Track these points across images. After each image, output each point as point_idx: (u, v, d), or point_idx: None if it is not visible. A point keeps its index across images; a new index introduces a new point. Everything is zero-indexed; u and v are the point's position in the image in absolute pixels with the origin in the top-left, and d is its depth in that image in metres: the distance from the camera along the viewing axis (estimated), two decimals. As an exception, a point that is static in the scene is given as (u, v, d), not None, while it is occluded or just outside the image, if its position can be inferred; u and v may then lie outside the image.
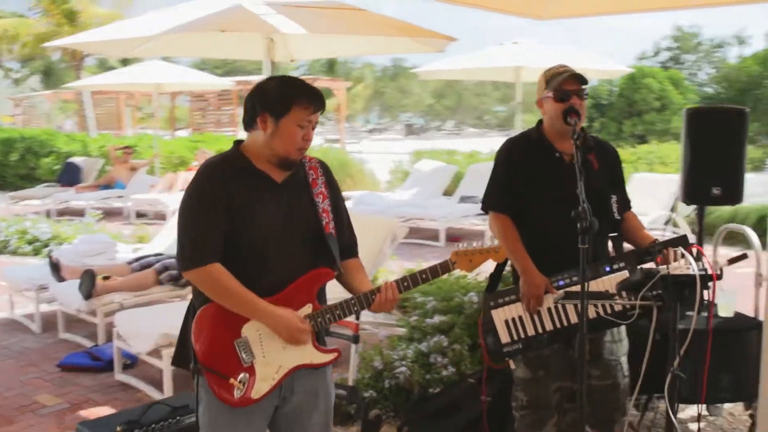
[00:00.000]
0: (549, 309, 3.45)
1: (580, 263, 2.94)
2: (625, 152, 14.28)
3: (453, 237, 10.93)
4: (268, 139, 2.74)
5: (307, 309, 2.80)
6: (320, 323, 2.81)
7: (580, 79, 3.47)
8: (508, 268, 3.70)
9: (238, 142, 2.89)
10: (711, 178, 4.36)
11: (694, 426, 4.38)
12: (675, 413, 3.14)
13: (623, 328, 3.58)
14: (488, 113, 54.32)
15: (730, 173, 4.34)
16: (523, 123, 10.20)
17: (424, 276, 2.88)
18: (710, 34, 51.29)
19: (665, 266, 3.15)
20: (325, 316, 2.81)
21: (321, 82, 25.16)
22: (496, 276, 3.73)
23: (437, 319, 5.17)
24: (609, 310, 3.38)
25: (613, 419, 3.62)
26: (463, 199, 11.59)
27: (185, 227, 2.76)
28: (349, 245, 3.02)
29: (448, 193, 12.55)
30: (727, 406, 4.73)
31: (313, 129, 2.80)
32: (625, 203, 3.64)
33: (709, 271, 3.05)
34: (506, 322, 3.49)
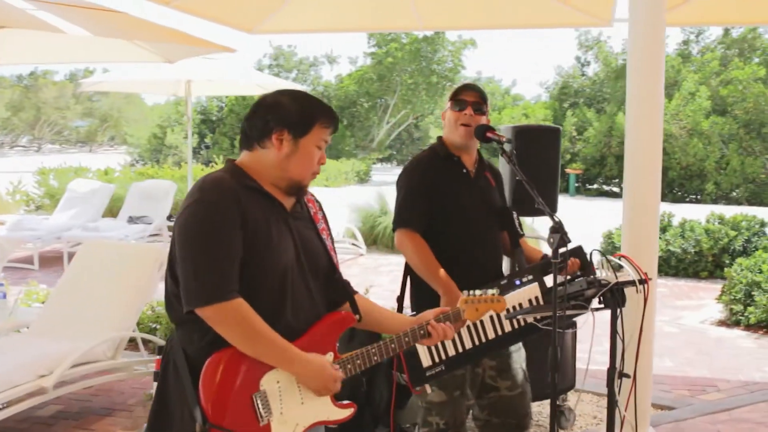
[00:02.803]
0: (468, 327, 3.46)
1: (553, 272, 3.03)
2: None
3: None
4: (283, 159, 2.44)
5: (329, 359, 2.51)
6: (350, 370, 2.52)
7: (480, 94, 3.56)
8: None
9: (231, 160, 2.53)
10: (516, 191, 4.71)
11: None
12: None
13: None
14: (67, 128, 51.08)
15: (549, 186, 4.74)
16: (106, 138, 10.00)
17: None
18: (304, 53, 54.81)
19: (596, 274, 3.37)
20: (346, 366, 2.53)
21: None
22: (402, 298, 3.68)
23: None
24: (523, 323, 3.50)
25: (524, 426, 3.73)
26: (132, 220, 10.89)
27: (200, 253, 2.31)
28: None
29: (109, 213, 11.68)
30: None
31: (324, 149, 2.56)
32: (519, 220, 3.81)
33: (642, 276, 3.33)
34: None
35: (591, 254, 3.55)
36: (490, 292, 2.81)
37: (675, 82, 28.45)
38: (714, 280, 9.90)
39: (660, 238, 10.50)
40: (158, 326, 5.90)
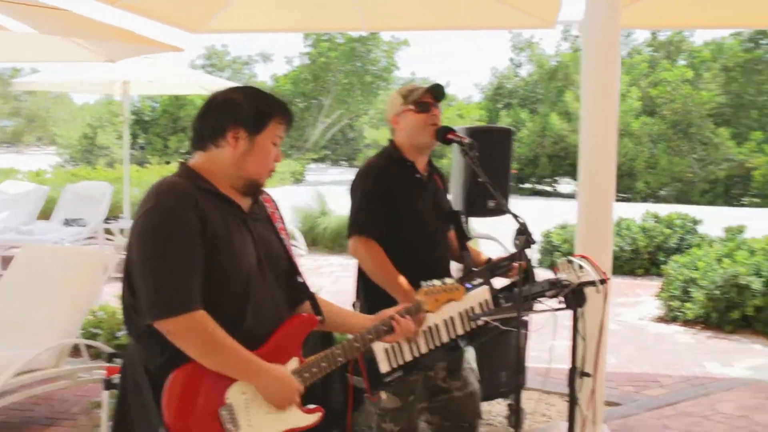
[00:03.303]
0: (423, 331, 3.44)
1: (518, 280, 3.05)
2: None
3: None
4: (239, 158, 2.37)
5: (294, 363, 2.46)
6: (307, 379, 2.47)
7: (437, 93, 3.58)
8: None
9: (184, 162, 2.45)
10: (486, 192, 4.72)
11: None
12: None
13: None
14: (-8, 128, 49.52)
15: (501, 188, 4.76)
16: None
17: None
18: (237, 52, 54.07)
19: (558, 274, 3.39)
20: (311, 369, 2.49)
21: None
22: (356, 305, 3.67)
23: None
24: (475, 326, 3.50)
25: (474, 426, 3.73)
26: (68, 222, 10.56)
27: (159, 264, 2.21)
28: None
29: (41, 216, 11.29)
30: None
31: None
32: (467, 223, 3.83)
33: (602, 276, 3.36)
34: (386, 350, 3.38)
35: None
36: (448, 281, 2.80)
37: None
38: (650, 277, 10.13)
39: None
40: (100, 331, 5.73)
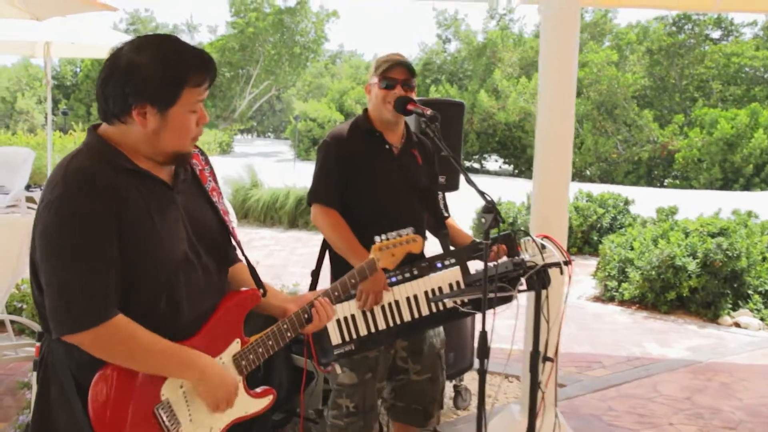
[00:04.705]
0: (383, 307, 3.29)
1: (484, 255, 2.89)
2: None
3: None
4: (150, 136, 2.01)
5: (236, 346, 2.23)
6: (252, 361, 2.24)
7: (409, 69, 3.37)
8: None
9: (94, 128, 2.08)
10: (438, 167, 4.53)
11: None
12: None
13: None
14: None
15: (452, 162, 4.57)
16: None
17: (353, 281, 2.54)
18: (162, 20, 52.56)
19: (522, 256, 3.24)
20: (258, 351, 2.25)
21: None
22: (317, 273, 3.49)
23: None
24: (442, 307, 3.36)
25: (430, 413, 3.58)
26: (-8, 190, 10.01)
27: (66, 272, 1.90)
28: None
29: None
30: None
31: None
32: (445, 200, 3.66)
33: (566, 258, 3.24)
34: (338, 321, 3.24)
35: (513, 236, 3.43)
36: (405, 232, 2.60)
37: (534, 62, 29.25)
38: (583, 256, 10.18)
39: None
40: (25, 306, 5.35)
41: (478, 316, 2.91)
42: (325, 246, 3.44)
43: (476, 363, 4.93)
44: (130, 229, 1.94)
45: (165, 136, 2.00)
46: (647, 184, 25.95)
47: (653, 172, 27.82)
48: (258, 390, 2.29)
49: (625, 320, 7.31)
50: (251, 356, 2.22)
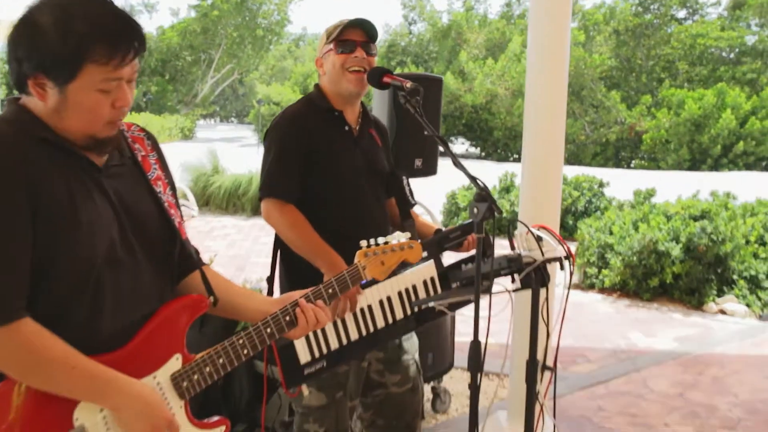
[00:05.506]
0: (354, 314, 2.83)
1: (477, 255, 2.45)
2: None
3: None
4: (51, 113, 1.63)
5: (175, 363, 1.80)
6: (197, 383, 1.81)
7: (367, 31, 2.89)
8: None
9: (15, 100, 1.69)
10: (413, 149, 4.12)
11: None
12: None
13: None
14: None
15: (430, 144, 4.17)
16: None
17: (330, 291, 2.07)
18: (119, 1, 51.27)
19: (519, 250, 2.84)
20: (204, 370, 1.82)
21: None
22: (272, 279, 3.01)
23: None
24: (416, 308, 2.93)
25: (414, 427, 3.17)
26: None
27: None
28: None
29: None
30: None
31: (131, 82, 1.70)
32: (410, 186, 3.21)
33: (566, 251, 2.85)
34: (306, 336, 2.73)
35: (505, 226, 3.02)
36: (398, 237, 2.18)
37: (500, 44, 29.01)
38: (559, 241, 9.84)
39: (504, 198, 10.34)
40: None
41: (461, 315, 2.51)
42: (278, 247, 2.95)
43: (456, 361, 4.58)
44: (46, 213, 1.56)
45: (67, 117, 1.62)
46: (615, 166, 25.83)
47: (621, 153, 27.72)
48: (210, 420, 1.86)
49: (606, 309, 6.98)
50: (195, 377, 1.79)
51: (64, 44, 1.55)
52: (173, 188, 1.93)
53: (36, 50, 1.57)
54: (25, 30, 1.58)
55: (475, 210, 2.40)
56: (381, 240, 2.17)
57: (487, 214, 2.40)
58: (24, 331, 1.54)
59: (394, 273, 2.83)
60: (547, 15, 3.60)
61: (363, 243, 2.15)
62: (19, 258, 1.54)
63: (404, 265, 2.86)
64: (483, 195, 2.41)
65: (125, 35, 1.62)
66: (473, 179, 2.53)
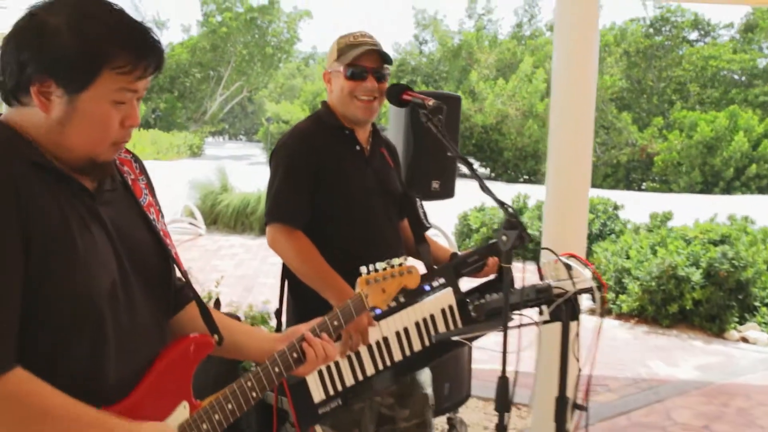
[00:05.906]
0: (370, 347, 2.65)
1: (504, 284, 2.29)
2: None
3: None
4: (53, 126, 1.45)
5: (183, 412, 1.62)
6: (219, 423, 1.64)
7: (383, 56, 2.73)
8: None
9: None
10: (432, 170, 3.95)
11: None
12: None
13: None
14: None
15: (449, 165, 4.01)
16: None
17: (336, 323, 1.91)
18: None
19: (551, 280, 2.67)
20: (214, 418, 1.65)
21: None
22: (280, 312, 2.85)
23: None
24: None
25: (422, 461, 2.98)
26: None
27: None
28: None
29: None
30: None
31: (140, 101, 1.55)
32: (423, 209, 3.04)
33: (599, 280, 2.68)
34: (319, 372, 2.56)
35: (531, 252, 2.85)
36: (396, 262, 2.01)
37: (511, 64, 28.94)
38: (573, 265, 9.65)
39: (517, 220, 10.15)
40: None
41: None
42: (286, 277, 2.79)
43: (473, 390, 4.39)
44: (41, 246, 1.38)
45: (72, 131, 1.44)
46: (626, 188, 25.62)
47: (631, 175, 27.53)
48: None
49: (625, 336, 6.79)
50: (204, 426, 1.62)
51: (81, 47, 1.40)
52: (162, 215, 1.76)
53: (46, 52, 1.40)
54: (32, 30, 1.42)
55: (504, 238, 2.23)
56: (380, 265, 2.02)
57: (516, 243, 2.24)
58: (15, 383, 1.35)
59: (408, 303, 2.69)
60: (574, 30, 3.45)
61: (363, 269, 1.99)
62: (11, 301, 1.35)
63: (421, 293, 2.73)
64: (513, 222, 2.25)
65: (150, 46, 1.47)
66: (502, 204, 2.37)
